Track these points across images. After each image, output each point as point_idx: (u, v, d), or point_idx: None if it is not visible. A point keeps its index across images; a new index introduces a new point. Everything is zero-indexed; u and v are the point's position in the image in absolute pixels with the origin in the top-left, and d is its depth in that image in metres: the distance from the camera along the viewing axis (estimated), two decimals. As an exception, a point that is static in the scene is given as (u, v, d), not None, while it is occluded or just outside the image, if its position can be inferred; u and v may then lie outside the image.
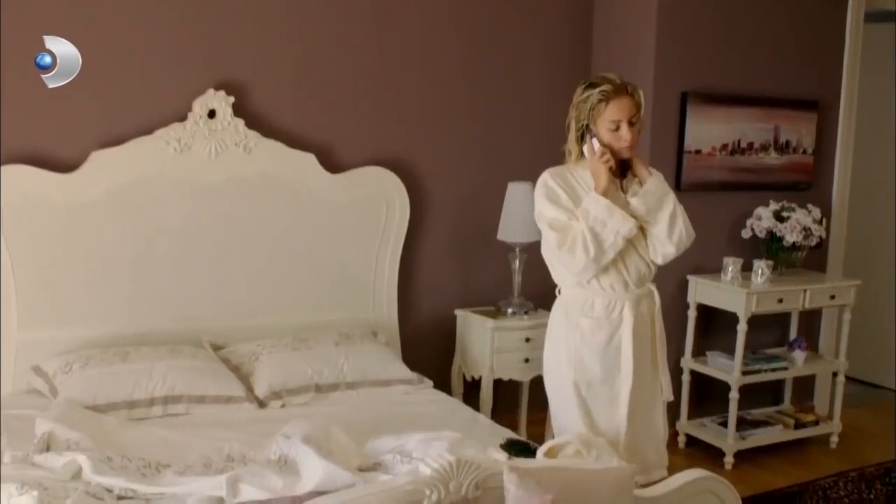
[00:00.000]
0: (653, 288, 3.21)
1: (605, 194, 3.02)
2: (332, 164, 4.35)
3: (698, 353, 4.97)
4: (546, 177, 3.14)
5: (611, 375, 3.15)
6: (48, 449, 2.97)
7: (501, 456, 2.92)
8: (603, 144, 3.05)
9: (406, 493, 2.30)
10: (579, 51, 5.03)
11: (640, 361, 3.15)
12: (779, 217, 4.92)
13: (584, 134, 3.09)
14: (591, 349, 3.15)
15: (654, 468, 3.21)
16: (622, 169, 3.15)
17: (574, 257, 3.00)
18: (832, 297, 4.99)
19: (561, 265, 3.14)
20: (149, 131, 3.93)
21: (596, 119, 3.04)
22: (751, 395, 4.96)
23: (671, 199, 3.12)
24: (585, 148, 3.09)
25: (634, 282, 3.14)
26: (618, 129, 3.03)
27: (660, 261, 3.17)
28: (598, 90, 3.04)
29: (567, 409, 3.21)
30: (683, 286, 4.94)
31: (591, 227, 2.98)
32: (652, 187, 3.08)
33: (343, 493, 2.36)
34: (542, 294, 4.08)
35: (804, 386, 5.50)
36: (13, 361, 3.74)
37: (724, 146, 4.98)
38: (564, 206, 3.06)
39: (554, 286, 3.29)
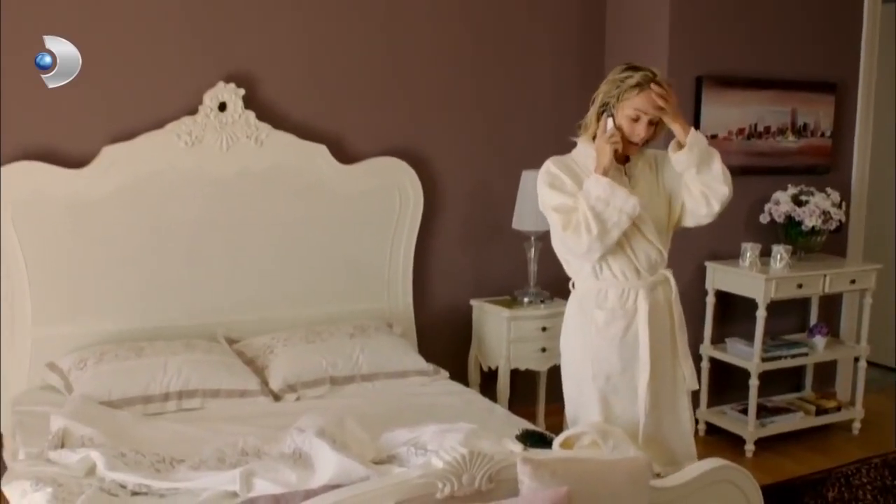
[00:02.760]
0: (668, 274, 3.15)
1: (606, 175, 2.97)
2: (345, 154, 4.33)
3: (717, 340, 4.93)
4: (548, 164, 3.10)
5: (630, 367, 3.10)
6: (63, 445, 2.98)
7: (517, 447, 2.89)
8: (617, 127, 3.01)
9: (418, 486, 2.27)
10: (592, 36, 4.98)
11: (658, 350, 3.10)
12: (797, 201, 4.87)
13: (603, 111, 3.05)
14: (607, 341, 3.10)
15: (683, 459, 3.13)
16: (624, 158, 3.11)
17: (579, 238, 2.95)
18: (852, 282, 4.93)
19: (567, 249, 3.10)
20: (159, 125, 3.93)
21: (622, 101, 3.00)
22: (771, 381, 4.91)
23: (712, 147, 3.07)
24: (600, 124, 3.04)
25: (646, 268, 3.08)
26: (637, 120, 2.99)
27: (717, 207, 3.05)
28: (640, 73, 2.99)
29: (585, 403, 3.17)
30: (701, 272, 4.90)
31: (592, 207, 2.92)
32: (696, 139, 3.01)
33: (355, 487, 2.34)
34: (557, 283, 4.04)
35: (825, 372, 5.45)
36: (28, 358, 3.75)
37: (741, 130, 4.92)
38: (569, 191, 3.02)
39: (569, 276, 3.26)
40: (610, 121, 3.01)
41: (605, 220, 2.93)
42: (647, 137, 3.04)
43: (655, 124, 3.03)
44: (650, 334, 3.07)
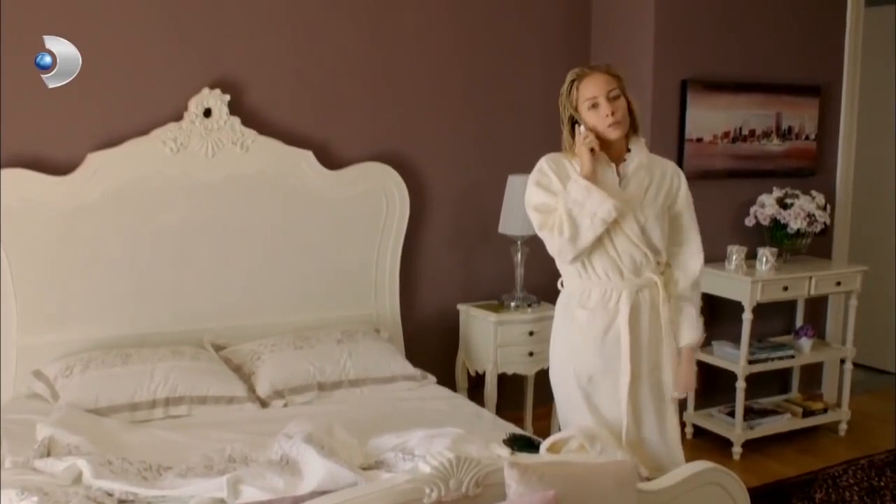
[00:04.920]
0: (656, 279, 3.13)
1: (591, 178, 2.98)
2: (330, 160, 4.33)
3: (704, 342, 4.90)
4: (542, 162, 3.11)
5: (612, 368, 3.08)
6: (49, 454, 2.96)
7: (504, 451, 2.89)
8: (590, 129, 3.02)
9: (406, 492, 2.28)
10: (577, 40, 4.99)
11: (639, 354, 3.08)
12: (782, 204, 4.89)
13: (574, 126, 3.07)
14: (589, 340, 3.09)
15: (669, 466, 3.07)
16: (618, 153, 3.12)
17: (552, 239, 2.98)
18: (838, 284, 4.95)
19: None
20: (145, 132, 3.92)
21: (577, 105, 3.03)
22: (758, 384, 4.93)
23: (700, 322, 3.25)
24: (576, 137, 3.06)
25: (630, 270, 3.07)
26: (596, 105, 3.00)
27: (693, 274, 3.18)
28: (575, 69, 3.05)
29: (571, 403, 3.16)
30: (688, 276, 4.90)
31: (569, 210, 2.94)
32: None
33: (343, 492, 2.34)
34: (544, 287, 4.05)
35: (812, 374, 5.47)
36: (14, 366, 3.73)
37: (726, 134, 4.94)
38: (555, 191, 3.03)
39: (556, 279, 3.25)
40: (581, 128, 3.03)
41: (579, 224, 2.94)
42: (620, 112, 3.00)
43: (616, 98, 3.00)
44: (630, 336, 3.05)
